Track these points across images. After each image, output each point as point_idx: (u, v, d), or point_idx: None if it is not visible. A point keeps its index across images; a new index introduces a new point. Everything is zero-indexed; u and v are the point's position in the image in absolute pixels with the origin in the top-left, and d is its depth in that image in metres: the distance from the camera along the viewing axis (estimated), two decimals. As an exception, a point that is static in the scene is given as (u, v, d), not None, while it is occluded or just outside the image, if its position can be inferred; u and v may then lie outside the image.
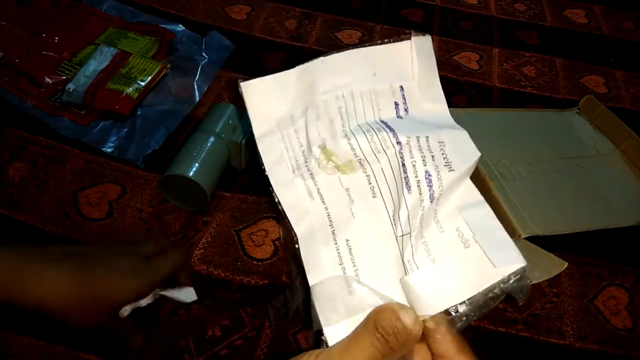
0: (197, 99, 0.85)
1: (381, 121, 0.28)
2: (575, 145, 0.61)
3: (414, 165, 0.26)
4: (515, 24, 1.13)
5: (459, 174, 0.26)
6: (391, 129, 0.27)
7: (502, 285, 0.24)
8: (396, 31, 1.06)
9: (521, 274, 0.24)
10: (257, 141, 0.30)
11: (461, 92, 0.94)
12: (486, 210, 0.27)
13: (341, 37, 1.02)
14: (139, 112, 0.81)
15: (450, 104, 0.99)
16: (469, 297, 0.24)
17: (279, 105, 0.30)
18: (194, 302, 0.60)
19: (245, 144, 0.72)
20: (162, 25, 0.95)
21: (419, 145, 0.27)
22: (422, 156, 0.26)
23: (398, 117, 0.29)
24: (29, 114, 0.79)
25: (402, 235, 0.25)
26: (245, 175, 0.76)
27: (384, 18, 1.09)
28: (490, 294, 0.24)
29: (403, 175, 0.26)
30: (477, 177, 0.55)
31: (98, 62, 0.84)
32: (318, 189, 0.29)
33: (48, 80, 0.83)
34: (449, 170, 0.26)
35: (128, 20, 0.96)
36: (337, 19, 1.07)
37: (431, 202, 0.25)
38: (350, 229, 0.27)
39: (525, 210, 0.51)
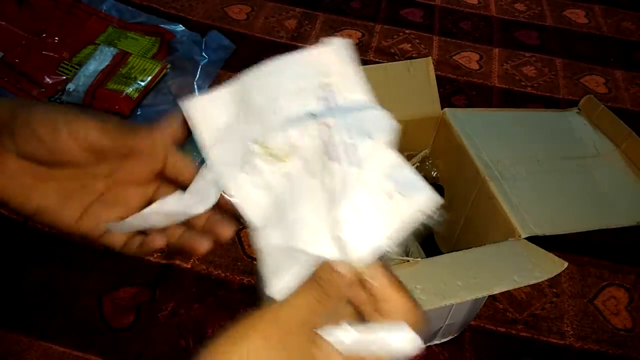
0: (197, 99, 0.85)
1: (310, 113, 0.32)
2: (575, 145, 0.61)
3: (339, 138, 0.30)
4: (515, 24, 1.13)
5: (380, 143, 0.30)
6: (319, 116, 0.31)
7: (422, 221, 0.28)
8: (396, 31, 1.06)
9: (438, 209, 0.28)
10: (206, 153, 0.33)
11: (461, 92, 0.94)
12: (407, 168, 0.30)
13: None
14: (139, 112, 0.81)
15: (450, 104, 0.99)
16: (395, 238, 0.28)
17: (220, 116, 0.34)
18: (194, 301, 0.60)
19: (245, 144, 0.72)
20: (162, 25, 0.95)
21: (343, 123, 0.31)
22: (346, 130, 0.30)
23: (325, 108, 0.32)
24: (29, 114, 0.79)
25: (335, 200, 0.29)
26: (245, 175, 0.76)
27: (384, 18, 1.09)
28: (414, 230, 0.28)
29: (331, 149, 0.30)
30: (477, 177, 0.55)
31: (98, 62, 0.84)
32: (265, 181, 0.32)
33: (48, 80, 0.83)
34: (370, 139, 0.30)
35: (128, 20, 0.96)
36: (337, 19, 1.07)
37: (357, 167, 0.29)
38: (295, 210, 0.31)
39: (525, 210, 0.51)
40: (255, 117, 0.33)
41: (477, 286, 0.43)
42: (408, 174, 0.29)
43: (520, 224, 0.49)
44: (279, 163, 0.32)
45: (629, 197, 0.56)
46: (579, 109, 0.66)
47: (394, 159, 0.30)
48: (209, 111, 0.34)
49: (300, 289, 0.28)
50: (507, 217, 0.50)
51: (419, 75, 0.59)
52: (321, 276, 0.28)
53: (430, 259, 0.46)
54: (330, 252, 0.29)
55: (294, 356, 0.27)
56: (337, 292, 0.28)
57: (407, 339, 0.27)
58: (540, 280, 0.45)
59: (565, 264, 0.45)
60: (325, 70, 0.34)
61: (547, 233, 0.49)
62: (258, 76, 0.34)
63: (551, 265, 0.45)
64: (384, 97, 0.61)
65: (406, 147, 0.62)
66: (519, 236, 0.49)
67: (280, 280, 0.29)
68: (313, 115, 0.31)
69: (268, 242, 0.31)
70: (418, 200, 0.28)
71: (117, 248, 0.36)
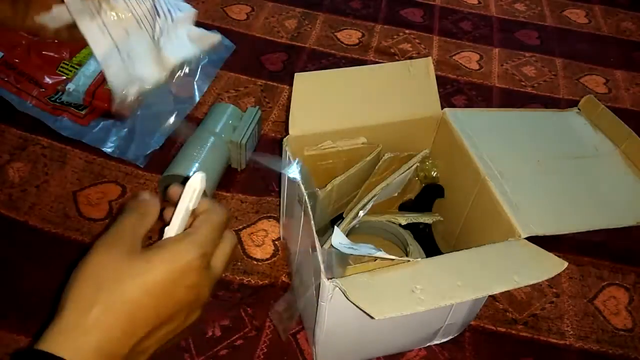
0: (197, 99, 0.85)
1: None
2: (575, 145, 0.61)
3: (160, 8, 0.50)
4: (515, 24, 1.13)
5: (185, 15, 0.52)
6: None
7: (199, 54, 0.52)
8: (396, 31, 1.06)
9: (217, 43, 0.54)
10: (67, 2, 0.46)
11: (461, 92, 0.94)
12: (197, 29, 0.53)
13: (341, 37, 1.02)
14: (139, 112, 0.81)
15: (450, 104, 0.99)
16: (193, 56, 0.53)
17: None
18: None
19: (245, 144, 0.72)
20: (162, 25, 0.95)
21: (163, 2, 0.51)
22: (165, 4, 0.50)
23: None
24: (29, 114, 0.79)
25: (158, 41, 0.50)
26: (245, 175, 0.76)
27: (384, 18, 1.09)
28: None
29: (155, 13, 0.49)
30: (477, 177, 0.54)
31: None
32: (109, 29, 0.48)
33: (48, 80, 0.82)
34: (180, 12, 0.52)
35: (128, 20, 0.96)
36: (337, 19, 1.07)
37: (172, 23, 0.50)
38: (132, 50, 0.49)
39: (525, 210, 0.51)
40: None
41: (477, 286, 0.43)
42: (200, 29, 0.53)
43: (520, 224, 0.49)
44: (120, 20, 0.49)
45: (629, 197, 0.56)
46: (579, 109, 0.66)
47: (192, 24, 0.53)
48: None
49: (123, 215, 0.36)
50: (507, 217, 0.50)
51: (419, 75, 0.59)
52: (127, 202, 0.38)
53: (430, 259, 0.46)
54: (155, 73, 0.51)
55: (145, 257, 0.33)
56: (142, 207, 0.37)
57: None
58: (540, 280, 0.45)
59: (565, 264, 0.45)
60: None
61: (548, 233, 0.49)
62: None
63: (551, 265, 0.45)
64: (384, 97, 0.61)
65: (406, 147, 0.62)
66: (519, 236, 0.49)
67: (125, 97, 0.49)
68: None
69: (111, 70, 0.48)
70: (206, 43, 0.54)
71: (50, 35, 0.48)
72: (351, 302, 0.41)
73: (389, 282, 0.43)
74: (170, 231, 0.37)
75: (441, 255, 0.47)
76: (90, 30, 0.48)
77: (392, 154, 0.61)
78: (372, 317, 0.40)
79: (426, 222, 0.64)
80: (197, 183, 0.38)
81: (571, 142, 0.62)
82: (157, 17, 0.51)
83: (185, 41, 0.53)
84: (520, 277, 0.44)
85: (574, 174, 0.58)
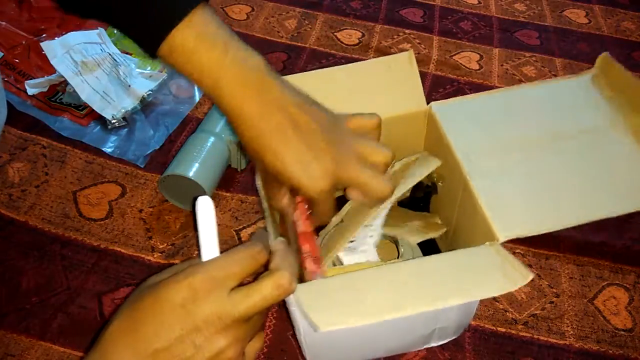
0: (197, 99, 0.85)
1: (100, 50, 0.79)
2: (576, 120, 0.55)
3: (117, 59, 0.80)
4: (515, 24, 1.13)
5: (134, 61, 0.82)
6: (104, 52, 0.78)
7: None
8: (396, 31, 1.06)
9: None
10: (54, 64, 0.73)
11: (461, 92, 0.94)
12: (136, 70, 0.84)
13: (341, 37, 1.02)
14: (139, 113, 0.81)
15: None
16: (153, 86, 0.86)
17: (56, 51, 0.83)
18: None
19: (245, 144, 0.72)
20: (162, 25, 0.95)
21: (116, 54, 0.80)
22: (119, 56, 0.76)
23: (105, 50, 0.81)
24: (29, 114, 0.79)
25: (123, 80, 0.78)
26: (245, 175, 0.76)
27: (384, 18, 1.09)
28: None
29: (115, 63, 0.77)
30: (461, 176, 0.51)
31: (98, 62, 0.84)
32: (87, 79, 0.79)
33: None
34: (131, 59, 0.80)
35: (128, 20, 0.96)
36: (337, 19, 1.07)
37: (129, 68, 0.79)
38: (104, 88, 0.79)
39: (508, 210, 0.47)
40: (73, 52, 0.81)
41: (431, 297, 0.42)
42: (149, 70, 0.82)
43: (499, 227, 0.47)
44: (91, 71, 0.79)
45: (634, 179, 0.51)
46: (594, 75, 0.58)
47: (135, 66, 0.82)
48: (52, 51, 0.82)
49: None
50: (487, 219, 0.48)
51: (401, 70, 0.56)
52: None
53: (392, 265, 0.44)
54: (124, 99, 0.78)
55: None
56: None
57: None
58: (498, 294, 0.42)
59: (531, 276, 0.42)
60: (99, 38, 0.86)
61: (530, 233, 0.45)
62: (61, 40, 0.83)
63: (516, 277, 0.41)
64: (367, 95, 0.58)
65: (397, 146, 0.59)
66: (497, 240, 0.46)
67: (110, 111, 0.77)
68: (102, 51, 0.81)
69: (95, 105, 0.77)
70: (159, 78, 0.82)
71: None
72: (302, 310, 0.39)
73: (342, 291, 0.42)
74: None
75: (405, 262, 0.45)
76: (76, 83, 0.78)
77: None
78: (315, 329, 0.38)
79: None
80: (205, 204, 0.40)
81: (571, 116, 0.56)
82: (120, 66, 0.81)
83: (144, 79, 0.82)
84: (479, 290, 0.42)
85: (570, 158, 0.53)
